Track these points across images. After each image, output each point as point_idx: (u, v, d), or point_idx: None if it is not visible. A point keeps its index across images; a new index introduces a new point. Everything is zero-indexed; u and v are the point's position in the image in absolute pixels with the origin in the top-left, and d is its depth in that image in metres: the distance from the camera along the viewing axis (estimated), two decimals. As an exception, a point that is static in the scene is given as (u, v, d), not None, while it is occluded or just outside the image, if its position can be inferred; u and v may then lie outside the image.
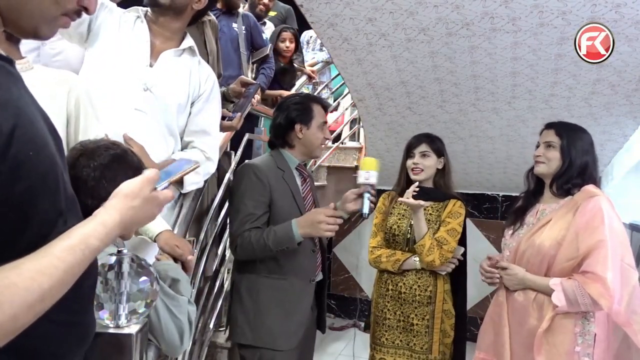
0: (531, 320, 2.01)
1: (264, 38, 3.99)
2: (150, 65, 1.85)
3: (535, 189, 2.23)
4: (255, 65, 4.01)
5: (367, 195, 2.05)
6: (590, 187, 2.05)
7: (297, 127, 2.18)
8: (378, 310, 2.56)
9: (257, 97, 3.39)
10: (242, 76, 2.68)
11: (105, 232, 0.78)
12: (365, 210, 2.04)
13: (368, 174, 2.06)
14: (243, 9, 4.00)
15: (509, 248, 2.18)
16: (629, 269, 1.94)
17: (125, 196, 0.85)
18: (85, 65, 1.86)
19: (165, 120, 1.86)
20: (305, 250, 2.14)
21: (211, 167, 2.04)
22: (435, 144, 2.54)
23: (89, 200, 1.14)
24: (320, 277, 2.27)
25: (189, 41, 1.95)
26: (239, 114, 2.30)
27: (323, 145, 2.26)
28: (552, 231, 2.02)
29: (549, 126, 2.20)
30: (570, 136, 2.12)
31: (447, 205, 2.51)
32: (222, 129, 2.29)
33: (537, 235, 2.06)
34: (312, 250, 2.17)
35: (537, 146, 2.20)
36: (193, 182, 1.97)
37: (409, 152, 2.56)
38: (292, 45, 4.42)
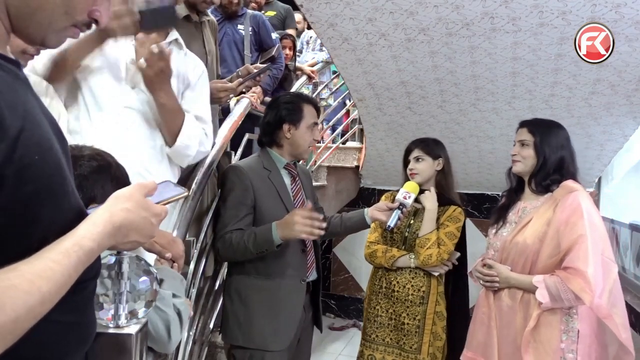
0: (518, 319, 2.03)
1: (274, 38, 3.93)
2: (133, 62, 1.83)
3: (517, 187, 2.25)
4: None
5: (398, 212, 2.25)
6: (569, 183, 2.08)
7: (286, 126, 2.17)
8: (370, 307, 2.58)
9: (259, 97, 3.36)
10: (248, 65, 2.65)
11: (97, 231, 0.77)
12: (392, 224, 2.24)
13: (408, 194, 2.29)
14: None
15: (494, 247, 2.20)
16: (609, 263, 1.97)
17: (116, 198, 0.84)
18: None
19: (157, 115, 1.84)
20: (294, 250, 2.14)
21: (209, 144, 2.04)
22: (429, 147, 2.55)
23: None
24: (313, 276, 2.26)
25: (173, 34, 1.94)
26: (240, 79, 2.27)
27: (311, 147, 2.26)
28: (534, 229, 2.05)
29: (523, 124, 2.22)
30: (544, 133, 2.14)
31: (446, 210, 2.52)
32: (219, 92, 2.26)
33: (520, 234, 2.08)
34: (301, 250, 2.17)
35: (514, 145, 2.22)
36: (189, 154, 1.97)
37: (405, 159, 2.59)
38: (291, 53, 4.42)
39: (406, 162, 2.57)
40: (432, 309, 2.46)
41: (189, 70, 1.95)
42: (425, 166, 2.52)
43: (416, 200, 2.47)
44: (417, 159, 2.53)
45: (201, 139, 1.98)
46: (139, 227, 0.85)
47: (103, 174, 1.26)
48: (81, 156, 1.26)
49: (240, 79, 2.30)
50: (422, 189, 2.52)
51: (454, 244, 2.47)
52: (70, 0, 0.79)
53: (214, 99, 2.26)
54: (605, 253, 1.97)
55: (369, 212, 2.34)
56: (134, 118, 1.82)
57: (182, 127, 1.89)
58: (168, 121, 1.86)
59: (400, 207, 2.27)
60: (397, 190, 2.62)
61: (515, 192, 2.25)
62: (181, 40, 1.96)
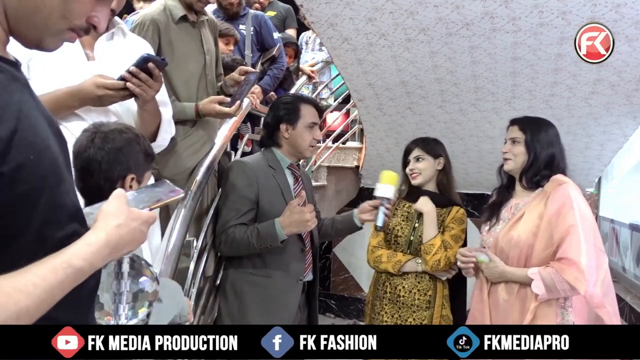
0: (515, 313, 2.05)
1: (276, 37, 3.92)
2: (88, 58, 1.81)
3: (508, 184, 2.28)
4: (264, 66, 3.94)
5: (382, 208, 2.17)
6: (558, 177, 2.10)
7: (283, 126, 2.20)
8: (374, 313, 2.52)
9: (258, 94, 3.36)
10: (242, 66, 2.64)
11: (91, 251, 0.76)
12: (380, 223, 2.16)
13: (385, 188, 2.18)
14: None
15: (487, 244, 2.22)
16: (600, 253, 2.01)
17: (106, 215, 0.83)
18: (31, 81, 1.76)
19: (123, 106, 1.82)
20: (294, 249, 2.15)
21: (174, 128, 2.02)
22: (429, 146, 2.52)
23: (102, 181, 1.26)
24: (309, 277, 2.27)
25: (117, 21, 1.91)
26: (238, 101, 2.27)
27: (312, 146, 2.25)
28: (527, 224, 2.07)
29: (513, 122, 2.25)
30: (534, 130, 2.17)
31: (450, 211, 2.49)
32: (219, 115, 2.27)
33: (513, 229, 2.10)
34: (300, 250, 2.18)
35: (505, 143, 2.24)
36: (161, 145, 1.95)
37: (405, 158, 2.55)
38: (291, 60, 4.43)
39: (406, 163, 2.55)
40: (438, 312, 2.43)
41: (139, 54, 1.90)
42: (426, 165, 2.49)
43: (413, 201, 2.47)
44: (418, 159, 2.50)
45: (171, 128, 1.98)
46: (132, 239, 0.85)
47: (134, 145, 1.34)
48: (110, 131, 1.34)
49: (238, 101, 2.28)
50: (424, 190, 2.51)
51: (460, 246, 2.42)
52: (68, 4, 0.79)
53: (211, 115, 2.27)
54: (596, 243, 2.01)
55: (357, 214, 2.32)
56: (102, 112, 1.77)
57: (159, 126, 1.88)
58: (148, 123, 1.84)
59: (383, 202, 2.19)
60: (400, 192, 2.61)
61: (506, 189, 2.27)
62: (124, 27, 1.93)
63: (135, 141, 1.35)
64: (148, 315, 1.15)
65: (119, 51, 1.84)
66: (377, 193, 2.22)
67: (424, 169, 2.49)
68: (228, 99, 2.26)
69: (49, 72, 1.70)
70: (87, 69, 1.74)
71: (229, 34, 3.31)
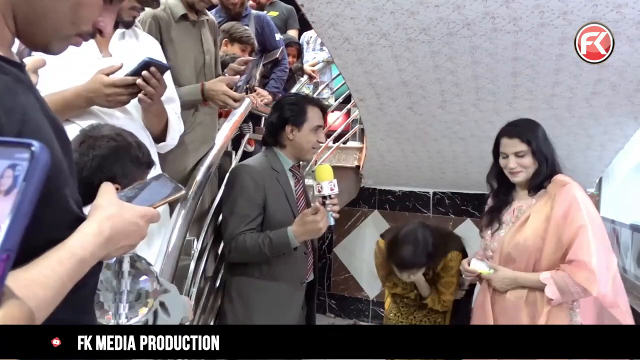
0: (523, 318, 2.03)
1: (278, 39, 3.93)
2: (103, 56, 1.81)
3: (505, 188, 2.21)
4: (267, 66, 3.95)
5: (328, 213, 2.06)
6: (559, 177, 2.08)
7: (288, 128, 2.18)
8: (389, 321, 2.70)
9: (267, 101, 3.37)
10: (240, 57, 2.64)
11: (88, 240, 0.77)
12: (331, 222, 2.07)
13: (323, 185, 2.07)
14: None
15: (491, 248, 2.18)
16: (609, 252, 2.02)
17: (96, 207, 0.83)
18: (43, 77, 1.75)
19: (135, 102, 1.83)
20: (299, 253, 2.14)
21: (182, 124, 2.03)
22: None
23: (82, 188, 1.19)
24: (311, 278, 2.28)
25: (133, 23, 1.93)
26: (242, 92, 2.29)
27: (314, 149, 2.24)
28: (533, 227, 2.05)
29: (512, 135, 2.11)
30: (535, 137, 2.09)
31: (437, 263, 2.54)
32: (224, 96, 2.23)
33: (520, 233, 2.08)
34: (304, 253, 2.18)
35: (505, 156, 2.11)
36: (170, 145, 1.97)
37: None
38: (294, 60, 4.43)
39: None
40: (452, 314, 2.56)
41: (148, 52, 1.87)
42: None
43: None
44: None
45: (179, 126, 1.98)
46: (127, 231, 0.84)
47: (122, 154, 1.32)
48: (100, 136, 1.32)
49: (242, 84, 2.30)
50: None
51: (452, 289, 2.53)
52: (77, 10, 0.79)
53: (215, 101, 2.25)
54: (604, 243, 2.01)
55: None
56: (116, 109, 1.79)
57: (167, 126, 1.89)
58: (153, 124, 1.85)
59: (324, 201, 2.07)
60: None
61: (504, 193, 2.21)
62: (136, 24, 1.94)
63: (124, 149, 1.33)
64: (152, 313, 1.15)
65: (133, 49, 1.85)
66: (323, 192, 2.09)
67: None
68: (236, 78, 2.25)
69: (61, 68, 1.70)
70: (101, 66, 1.73)
71: (249, 42, 3.30)
